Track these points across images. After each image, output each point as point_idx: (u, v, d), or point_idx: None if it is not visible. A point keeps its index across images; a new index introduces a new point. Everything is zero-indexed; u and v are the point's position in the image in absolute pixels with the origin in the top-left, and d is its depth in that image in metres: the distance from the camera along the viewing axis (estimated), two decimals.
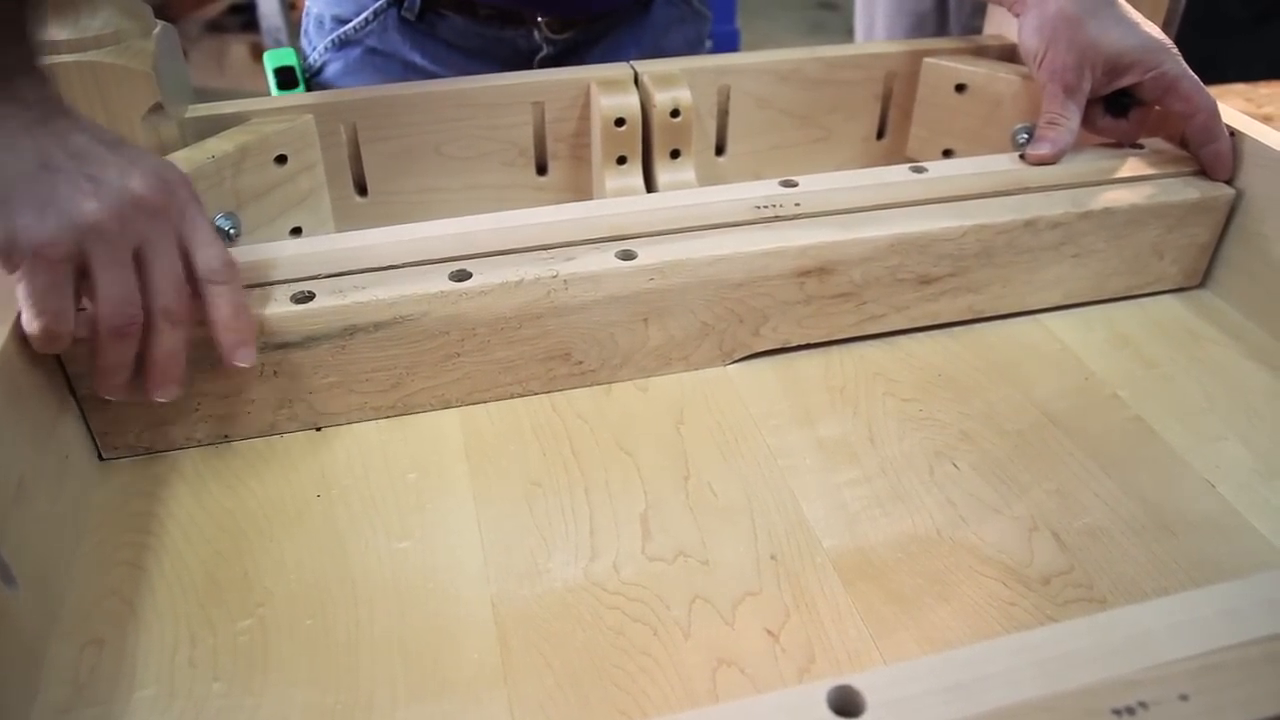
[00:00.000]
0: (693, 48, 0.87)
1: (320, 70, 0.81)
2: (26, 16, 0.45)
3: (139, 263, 0.43)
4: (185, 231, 0.45)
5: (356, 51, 0.79)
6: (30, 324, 0.43)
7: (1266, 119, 0.94)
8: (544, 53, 0.78)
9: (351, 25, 0.79)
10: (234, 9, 2.67)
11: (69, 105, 0.45)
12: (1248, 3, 2.80)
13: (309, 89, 0.81)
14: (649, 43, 0.82)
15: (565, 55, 0.79)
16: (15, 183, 0.41)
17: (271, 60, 0.79)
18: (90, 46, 0.56)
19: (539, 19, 0.76)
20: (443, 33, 0.78)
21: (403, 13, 0.77)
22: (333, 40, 0.79)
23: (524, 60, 0.79)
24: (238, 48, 2.56)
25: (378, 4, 0.77)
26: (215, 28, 2.61)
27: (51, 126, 0.43)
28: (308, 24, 0.82)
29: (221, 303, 0.45)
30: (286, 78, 0.79)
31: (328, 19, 0.79)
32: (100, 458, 0.49)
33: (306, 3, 0.82)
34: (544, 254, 0.51)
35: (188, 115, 0.62)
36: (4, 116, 0.42)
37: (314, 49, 0.81)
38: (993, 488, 0.47)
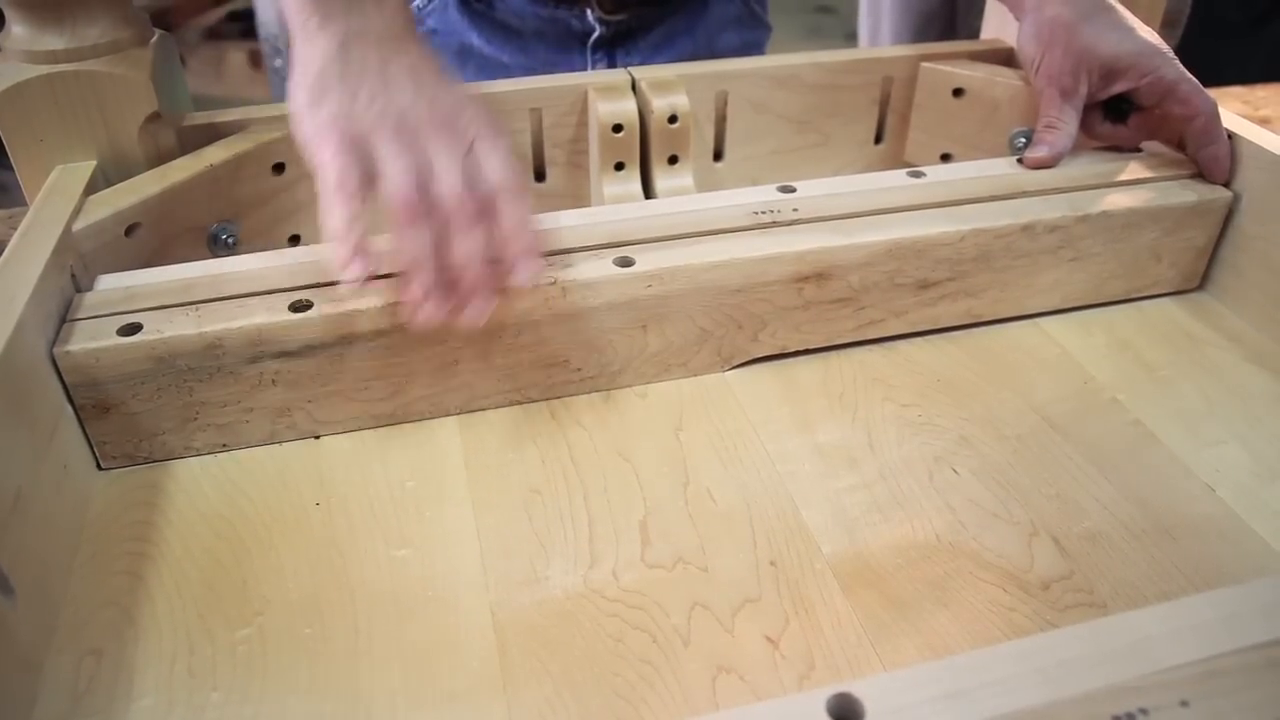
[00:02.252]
0: (750, 54, 0.87)
1: None
2: None
3: (430, 167, 0.45)
4: (480, 150, 0.46)
5: (419, 31, 0.80)
6: (332, 209, 0.45)
7: (1263, 121, 0.94)
8: (597, 34, 0.80)
9: (415, 4, 0.81)
10: (232, 16, 2.67)
11: (411, 34, 0.50)
12: (1245, 6, 2.80)
13: None
14: (702, 39, 0.83)
15: (618, 40, 0.80)
16: (342, 74, 0.46)
17: None
18: (88, 56, 0.56)
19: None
20: (501, 14, 0.80)
21: None
22: None
23: (577, 42, 0.80)
24: (236, 55, 2.56)
25: None
26: (214, 35, 2.61)
27: (387, 45, 0.48)
28: None
29: (509, 210, 0.46)
30: None
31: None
32: (99, 467, 0.49)
33: None
34: (542, 261, 0.51)
35: (186, 123, 0.62)
36: (351, 31, 0.47)
37: None
38: (992, 493, 0.47)
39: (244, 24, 2.55)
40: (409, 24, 0.50)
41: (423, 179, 0.45)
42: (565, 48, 0.81)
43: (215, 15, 2.70)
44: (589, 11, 0.78)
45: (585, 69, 0.82)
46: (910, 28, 1.03)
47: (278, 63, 2.34)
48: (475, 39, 0.81)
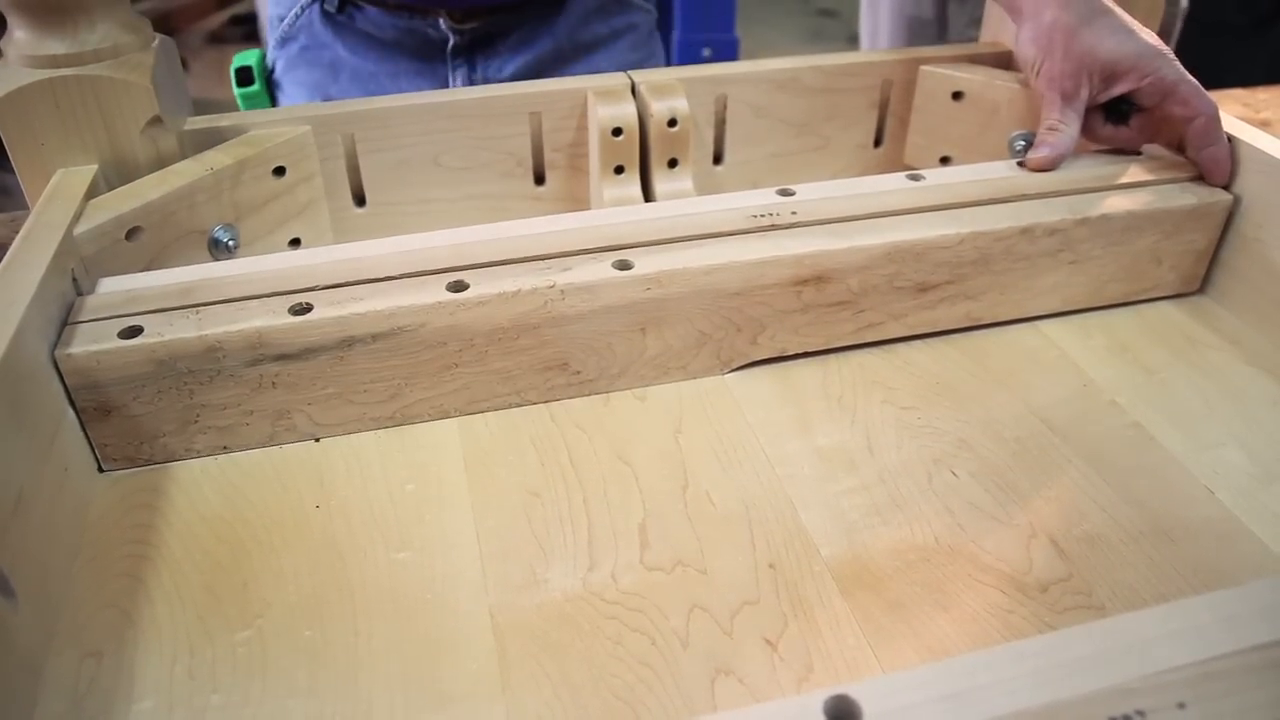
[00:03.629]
0: (637, 42, 0.87)
1: (273, 68, 0.85)
2: None
3: None
4: None
5: (294, 47, 0.83)
6: None
7: (1264, 124, 0.94)
8: (452, 43, 0.81)
9: (286, 21, 0.83)
10: (235, 20, 2.68)
11: None
12: (1246, 8, 2.81)
13: (267, 86, 0.85)
14: (564, 34, 0.83)
15: (476, 47, 0.82)
16: None
17: (236, 60, 0.84)
18: (89, 60, 0.56)
19: (441, 9, 0.78)
20: (361, 24, 0.81)
21: (325, 6, 0.81)
22: (277, 38, 0.84)
23: (437, 51, 0.82)
24: None
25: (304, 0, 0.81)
26: (217, 39, 2.62)
27: None
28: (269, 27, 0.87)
29: None
30: (243, 76, 0.84)
31: (275, 18, 0.84)
32: (100, 469, 0.49)
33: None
34: (541, 264, 0.51)
35: (187, 128, 0.62)
36: None
37: (269, 48, 0.85)
38: (991, 496, 0.47)
39: (247, 27, 2.55)
40: None
41: None
42: (425, 57, 0.82)
43: (218, 19, 2.71)
44: (441, 21, 0.79)
45: (446, 77, 0.83)
46: (904, 32, 1.04)
47: None
48: (342, 50, 0.82)
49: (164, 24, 2.43)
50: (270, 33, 0.85)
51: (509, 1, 0.80)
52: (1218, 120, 0.59)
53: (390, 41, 0.81)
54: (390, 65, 0.82)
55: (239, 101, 0.86)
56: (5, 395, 0.41)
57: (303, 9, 0.82)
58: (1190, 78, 0.59)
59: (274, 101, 0.86)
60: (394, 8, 0.80)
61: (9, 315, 0.44)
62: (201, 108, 0.65)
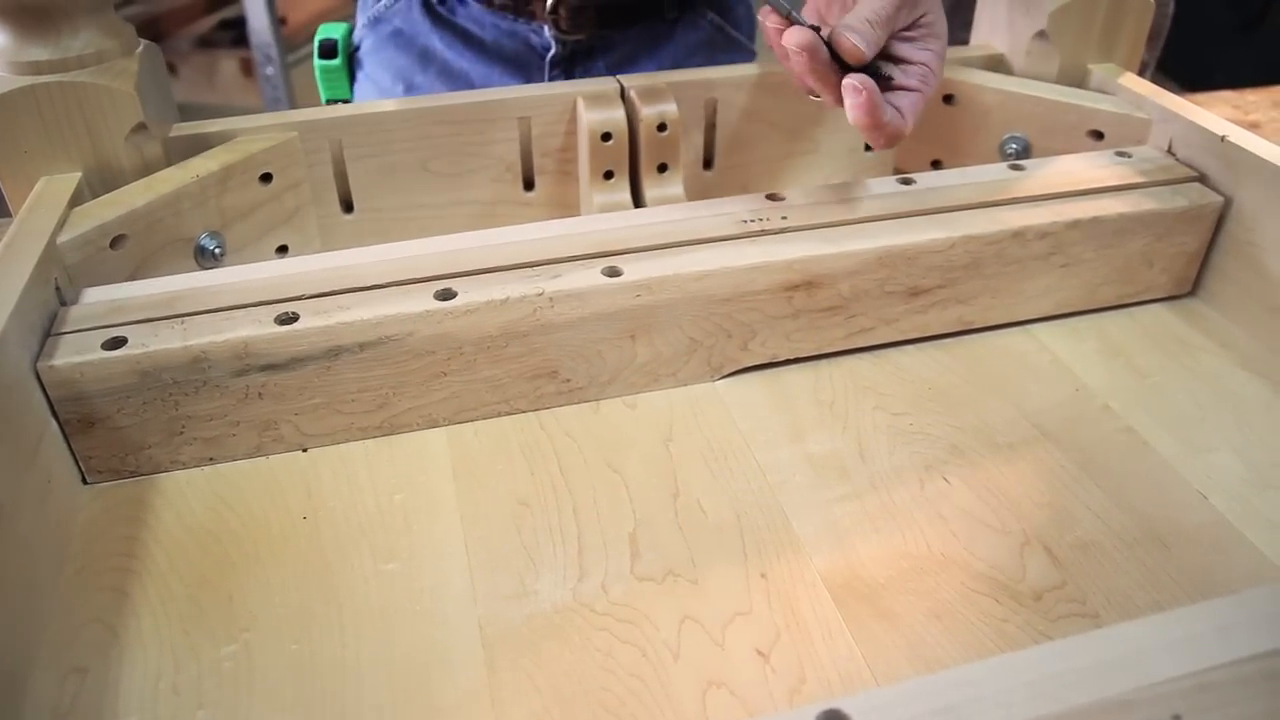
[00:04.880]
0: None
1: (359, 46, 0.84)
2: None
3: None
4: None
5: (385, 29, 0.82)
6: None
7: (1253, 125, 0.94)
8: (553, 52, 0.79)
9: (383, 3, 0.81)
10: (224, 25, 2.66)
11: None
12: (1235, 9, 2.81)
13: (349, 63, 0.84)
14: (667, 63, 0.81)
15: (576, 59, 0.80)
16: None
17: (321, 31, 0.84)
18: (73, 67, 0.55)
19: (549, 14, 0.77)
20: (462, 19, 0.80)
21: None
22: (369, 17, 0.82)
23: (536, 58, 0.80)
24: (228, 63, 2.55)
25: None
26: (205, 43, 2.61)
27: None
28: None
29: None
30: (327, 49, 0.84)
31: None
32: (84, 481, 0.49)
33: None
34: (529, 271, 0.50)
35: (172, 134, 0.62)
36: None
37: (358, 25, 0.84)
38: (984, 502, 0.47)
39: (235, 32, 2.54)
40: None
41: None
42: (523, 63, 0.81)
43: (207, 23, 2.69)
44: (545, 27, 0.78)
45: None
46: None
47: (269, 70, 2.33)
48: (437, 43, 0.80)
49: (152, 28, 2.43)
50: (361, 11, 0.84)
51: (620, 1, 0.78)
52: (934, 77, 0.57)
53: (489, 41, 0.80)
54: (483, 66, 0.81)
55: (317, 74, 0.86)
56: None
57: None
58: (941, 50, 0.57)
59: (353, 79, 0.85)
60: (499, 7, 0.78)
61: None
62: (190, 112, 0.64)
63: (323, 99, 0.88)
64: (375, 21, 0.82)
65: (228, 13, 2.72)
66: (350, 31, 0.85)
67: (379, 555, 0.45)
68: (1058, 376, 0.56)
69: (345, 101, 0.86)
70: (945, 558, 0.44)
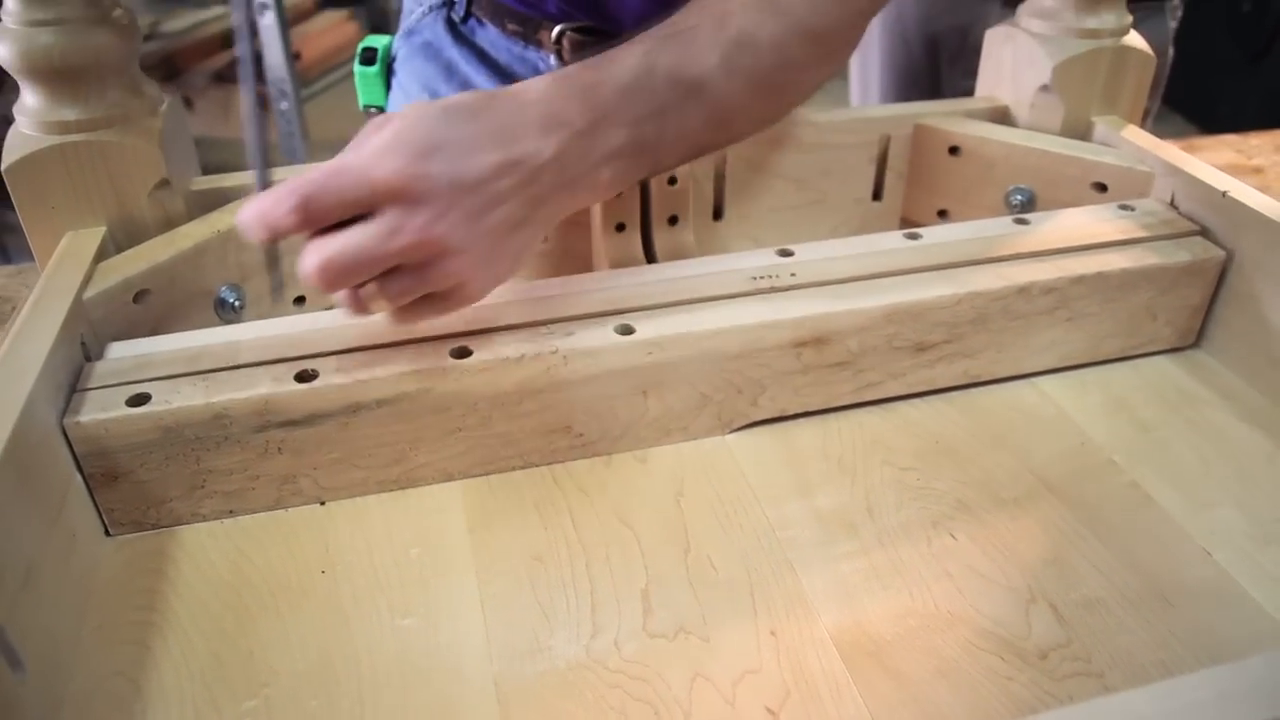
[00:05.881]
0: None
1: (395, 56, 0.88)
2: None
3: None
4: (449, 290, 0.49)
5: (416, 40, 0.85)
6: None
7: (1256, 170, 0.95)
8: None
9: (414, 16, 0.85)
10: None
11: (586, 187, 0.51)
12: (1240, 42, 2.83)
13: (386, 71, 0.88)
14: None
15: None
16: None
17: (365, 40, 0.88)
18: (100, 125, 0.57)
19: (554, 45, 0.78)
20: (480, 40, 0.82)
21: (450, 14, 0.83)
22: (404, 29, 0.86)
23: None
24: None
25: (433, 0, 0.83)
26: (221, 78, 2.64)
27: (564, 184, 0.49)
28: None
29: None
30: (367, 56, 0.88)
31: (407, 10, 0.87)
32: (107, 533, 0.50)
33: None
34: (544, 329, 0.52)
35: (192, 188, 0.63)
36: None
37: (396, 36, 0.88)
38: (990, 559, 0.48)
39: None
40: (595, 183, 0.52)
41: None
42: None
43: (223, 58, 2.73)
44: (551, 56, 0.80)
45: None
46: (896, 86, 1.05)
47: (283, 105, 2.36)
48: (458, 59, 0.83)
49: (169, 64, 2.46)
50: (402, 20, 0.88)
51: (615, 33, 0.79)
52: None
53: (501, 65, 0.82)
54: (498, 86, 0.83)
55: (356, 80, 0.90)
56: (16, 466, 0.42)
57: (431, 8, 0.84)
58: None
59: (388, 87, 0.89)
60: (511, 32, 0.81)
61: (20, 385, 0.45)
62: (205, 146, 0.66)
63: (360, 104, 0.92)
64: (409, 33, 0.86)
65: None
66: (390, 43, 0.89)
67: (396, 610, 0.46)
68: (1063, 430, 0.56)
69: (380, 108, 0.91)
70: (952, 615, 0.45)
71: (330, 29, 2.84)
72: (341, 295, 0.46)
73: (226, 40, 2.77)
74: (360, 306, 0.46)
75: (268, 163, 0.48)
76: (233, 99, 2.59)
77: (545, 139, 0.47)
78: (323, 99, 2.65)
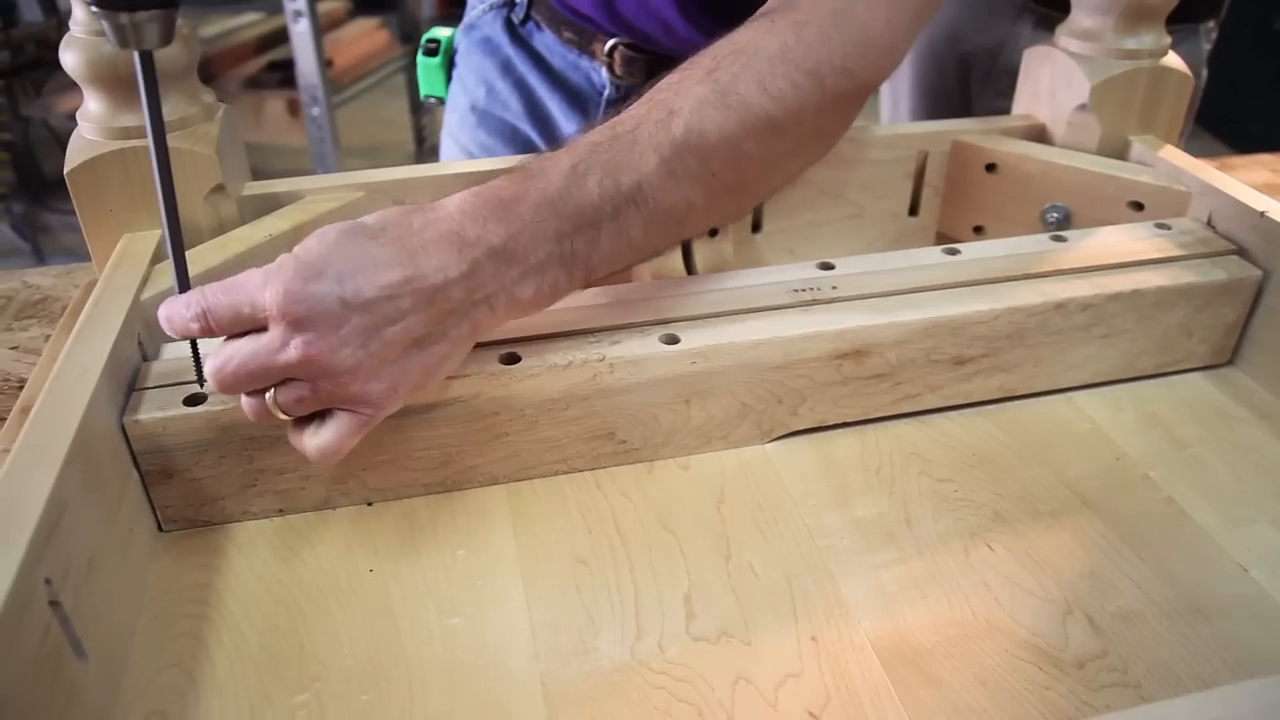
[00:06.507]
0: None
1: (456, 49, 0.91)
2: None
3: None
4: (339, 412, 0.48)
5: (476, 35, 0.88)
6: None
7: None
8: (608, 93, 0.83)
9: (476, 10, 0.88)
10: (272, 66, 2.73)
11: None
12: (1270, 61, 2.81)
13: (447, 62, 0.91)
14: None
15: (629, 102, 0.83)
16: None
17: (430, 32, 0.92)
18: None
19: (607, 58, 0.80)
20: (536, 43, 0.85)
21: (510, 15, 0.85)
22: (466, 24, 0.89)
23: (594, 95, 0.84)
24: (275, 103, 2.62)
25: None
26: (254, 84, 2.67)
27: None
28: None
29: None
30: (431, 48, 0.91)
31: (471, 4, 0.89)
32: (160, 529, 0.51)
33: None
34: (590, 338, 0.53)
35: (245, 193, 0.64)
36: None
37: (459, 29, 0.91)
38: (1027, 570, 0.49)
39: (283, 73, 2.60)
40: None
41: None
42: (583, 97, 0.85)
43: (256, 64, 2.76)
44: (603, 68, 0.81)
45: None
46: (926, 105, 1.05)
47: (315, 111, 2.39)
48: (515, 58, 0.86)
49: (203, 70, 2.49)
50: (465, 14, 0.90)
51: (671, 54, 0.78)
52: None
53: (555, 71, 0.84)
54: (550, 91, 0.85)
55: (419, 70, 0.93)
56: (82, 461, 0.43)
57: (490, 7, 0.86)
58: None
59: (448, 78, 0.92)
60: (566, 40, 0.82)
61: (84, 382, 0.46)
62: None
63: (422, 94, 0.95)
64: (470, 28, 0.89)
65: (276, 54, 2.79)
66: (453, 36, 0.92)
67: (443, 610, 0.47)
68: (1098, 445, 0.57)
69: (440, 99, 0.94)
70: (990, 624, 0.46)
71: (361, 37, 2.87)
72: (243, 401, 0.47)
73: (258, 47, 2.81)
74: (260, 413, 0.47)
75: (184, 266, 0.50)
76: (265, 105, 2.62)
77: (451, 256, 0.46)
78: (353, 105, 2.67)
